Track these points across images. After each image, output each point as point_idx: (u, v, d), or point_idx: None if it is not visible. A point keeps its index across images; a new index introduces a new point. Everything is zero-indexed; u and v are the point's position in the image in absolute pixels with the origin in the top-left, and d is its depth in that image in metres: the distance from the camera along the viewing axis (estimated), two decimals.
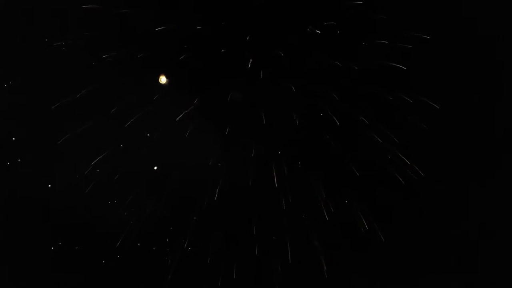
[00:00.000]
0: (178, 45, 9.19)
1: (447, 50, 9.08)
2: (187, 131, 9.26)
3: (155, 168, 9.78)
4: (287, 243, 9.44)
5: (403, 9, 8.89)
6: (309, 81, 9.28)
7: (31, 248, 9.86)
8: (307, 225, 9.54)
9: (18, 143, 9.70)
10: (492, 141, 9.56)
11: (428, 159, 9.26)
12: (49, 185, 9.71)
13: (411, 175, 9.18)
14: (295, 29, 9.10)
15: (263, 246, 9.47)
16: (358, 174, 9.25)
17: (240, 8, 9.12)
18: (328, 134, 9.39)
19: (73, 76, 9.22)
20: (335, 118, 9.11)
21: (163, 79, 9.33)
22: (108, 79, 9.17)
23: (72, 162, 9.43)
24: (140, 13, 9.08)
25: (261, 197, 9.35)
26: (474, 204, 9.68)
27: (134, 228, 9.70)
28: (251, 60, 9.06)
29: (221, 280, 9.70)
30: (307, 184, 9.40)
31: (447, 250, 9.74)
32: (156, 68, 9.36)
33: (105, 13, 9.00)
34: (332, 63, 9.12)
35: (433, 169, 9.25)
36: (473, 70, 9.24)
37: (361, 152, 9.34)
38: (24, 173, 9.68)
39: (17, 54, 9.42)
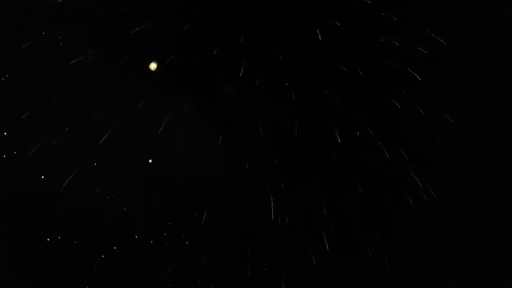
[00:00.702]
0: (168, 45, 8.81)
1: (460, 55, 8.51)
2: (179, 134, 9.02)
3: (150, 161, 9.63)
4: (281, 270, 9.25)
5: (413, 10, 8.23)
6: (311, 87, 8.65)
7: (30, 246, 9.89)
8: (305, 243, 9.17)
9: (13, 138, 9.55)
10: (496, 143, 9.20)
11: (439, 175, 8.83)
12: (47, 182, 9.56)
13: (422, 195, 8.78)
14: (296, 30, 8.38)
15: (257, 268, 9.27)
16: (360, 190, 8.77)
17: (236, 6, 8.43)
18: (329, 146, 8.77)
19: (71, 75, 8.99)
20: (336, 131, 8.54)
21: (153, 66, 9.04)
22: (108, 78, 9.00)
23: (69, 158, 9.33)
24: (130, 12, 8.70)
25: (255, 213, 9.04)
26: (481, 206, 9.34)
27: (132, 223, 9.69)
28: (244, 64, 8.44)
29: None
30: (305, 200, 8.98)
31: (450, 256, 9.47)
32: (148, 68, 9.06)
33: (92, 11, 8.72)
34: (336, 67, 8.45)
35: (444, 186, 8.83)
36: (480, 75, 8.78)
37: (364, 165, 8.82)
38: (22, 169, 9.56)
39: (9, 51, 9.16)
